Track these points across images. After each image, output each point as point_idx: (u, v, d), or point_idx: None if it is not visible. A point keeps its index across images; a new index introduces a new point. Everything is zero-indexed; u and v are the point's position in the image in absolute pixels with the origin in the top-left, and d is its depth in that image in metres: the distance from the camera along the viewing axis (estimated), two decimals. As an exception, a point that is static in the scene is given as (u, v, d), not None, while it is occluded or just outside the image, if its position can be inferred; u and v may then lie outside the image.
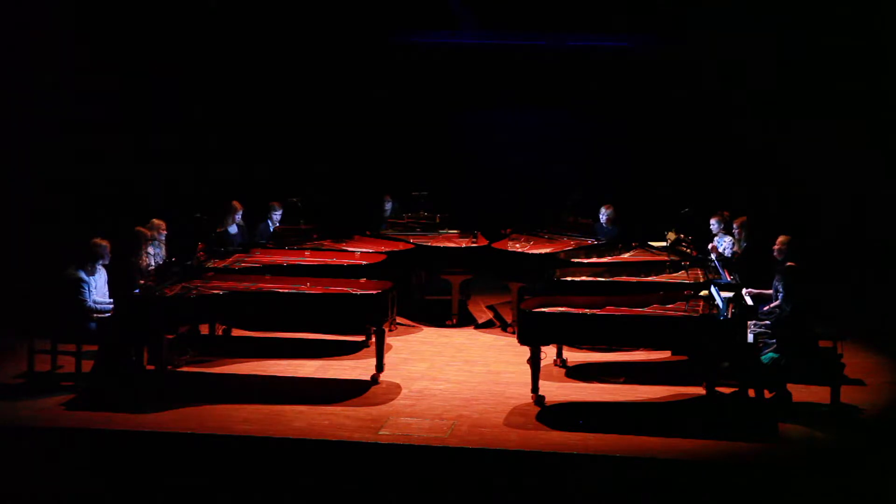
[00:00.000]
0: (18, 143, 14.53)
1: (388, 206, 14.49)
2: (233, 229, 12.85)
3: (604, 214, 13.68)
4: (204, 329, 11.82)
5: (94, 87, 14.90)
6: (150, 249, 11.24)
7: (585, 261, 12.23)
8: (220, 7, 15.67)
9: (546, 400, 9.96)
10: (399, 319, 12.97)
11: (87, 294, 10.35)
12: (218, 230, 12.44)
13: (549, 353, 10.86)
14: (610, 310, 9.99)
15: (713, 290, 10.13)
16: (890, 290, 13.71)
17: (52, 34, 14.54)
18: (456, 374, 10.99)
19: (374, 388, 10.41)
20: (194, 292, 10.43)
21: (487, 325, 13.14)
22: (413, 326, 12.99)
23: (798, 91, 15.19)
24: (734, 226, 12.22)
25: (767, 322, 10.12)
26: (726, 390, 9.93)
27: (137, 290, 10.40)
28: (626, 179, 15.88)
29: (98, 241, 10.56)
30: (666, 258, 11.93)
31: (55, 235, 13.80)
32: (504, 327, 12.93)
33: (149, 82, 15.47)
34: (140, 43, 15.25)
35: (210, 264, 11.48)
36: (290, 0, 15.82)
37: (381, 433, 9.12)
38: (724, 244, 12.40)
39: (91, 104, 14.89)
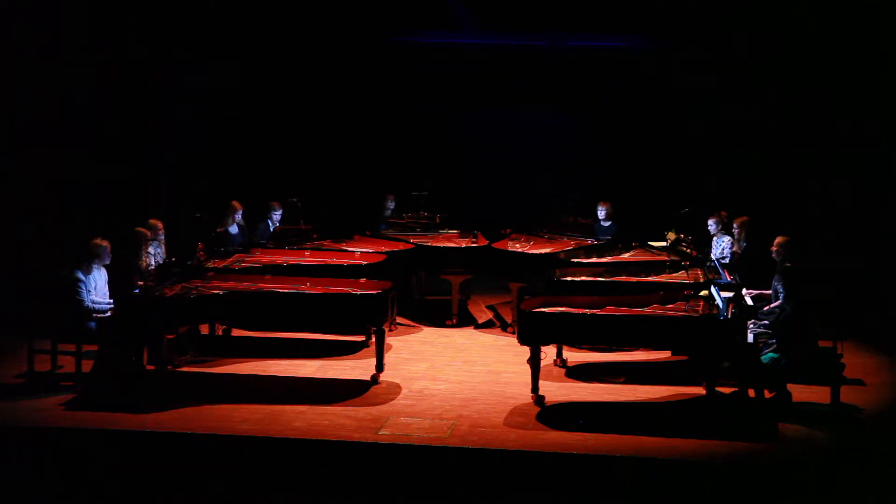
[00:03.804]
0: (16, 143, 14.52)
1: (391, 206, 14.51)
2: (233, 229, 12.86)
3: (601, 211, 13.72)
4: (204, 329, 11.82)
5: (93, 87, 14.95)
6: (151, 249, 11.25)
7: (585, 261, 12.23)
8: (221, 6, 15.66)
9: (546, 400, 9.96)
10: (399, 319, 12.97)
11: (85, 294, 10.34)
12: (218, 230, 12.45)
13: (549, 353, 10.86)
14: (610, 310, 9.98)
15: (713, 290, 10.13)
16: (890, 290, 13.70)
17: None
18: (456, 374, 10.99)
19: (374, 388, 10.41)
20: (194, 292, 10.43)
21: (487, 325, 13.14)
22: (413, 326, 12.99)
23: (798, 90, 15.20)
24: (734, 225, 12.22)
25: (767, 322, 10.12)
26: (726, 390, 9.93)
27: (137, 291, 10.40)
28: (626, 179, 15.87)
29: (98, 241, 10.56)
30: (666, 258, 11.94)
31: (55, 235, 13.81)
32: (504, 327, 12.93)
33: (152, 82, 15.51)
34: (140, 41, 15.26)
35: (210, 264, 11.48)
36: (292, 0, 15.84)
37: (381, 433, 9.12)
38: (722, 244, 12.41)
39: (90, 105, 14.94)
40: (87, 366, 10.24)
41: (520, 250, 12.88)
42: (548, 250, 12.81)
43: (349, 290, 10.63)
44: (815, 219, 14.68)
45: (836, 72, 14.88)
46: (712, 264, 11.53)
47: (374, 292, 10.51)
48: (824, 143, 14.99)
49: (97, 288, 10.50)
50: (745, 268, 11.51)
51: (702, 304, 10.03)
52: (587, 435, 9.13)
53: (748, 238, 12.00)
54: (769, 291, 10.66)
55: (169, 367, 10.50)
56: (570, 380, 10.87)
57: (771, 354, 9.79)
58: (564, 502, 8.46)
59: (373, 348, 10.89)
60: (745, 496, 8.41)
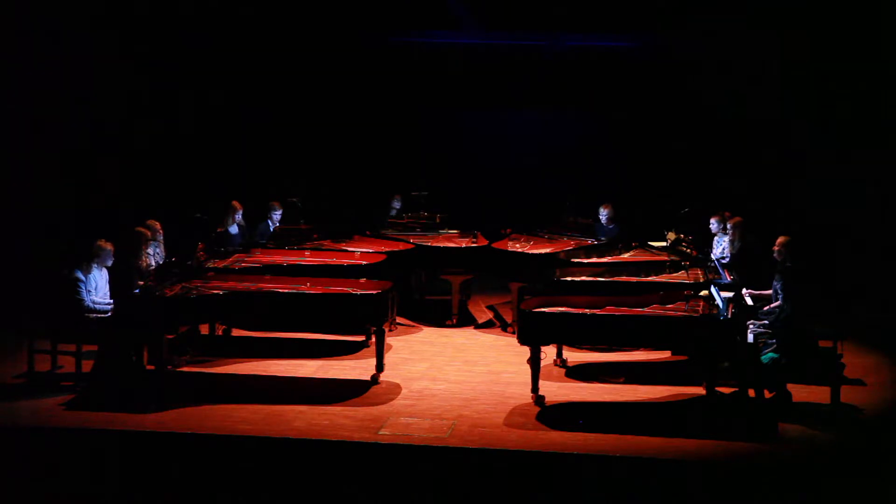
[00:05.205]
0: (15, 142, 14.54)
1: (397, 205, 14.53)
2: (233, 229, 12.86)
3: (603, 214, 13.71)
4: (204, 329, 11.82)
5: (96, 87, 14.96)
6: (150, 250, 11.25)
7: (585, 261, 12.23)
8: (222, 7, 15.67)
9: (546, 400, 9.96)
10: (399, 319, 12.97)
11: (85, 294, 10.34)
12: (218, 230, 12.45)
13: (549, 353, 10.86)
14: (610, 310, 9.98)
15: (713, 290, 10.13)
16: (889, 289, 13.70)
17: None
18: (456, 374, 10.99)
19: (374, 388, 10.41)
20: (194, 292, 10.43)
21: (487, 325, 13.14)
22: (413, 326, 12.99)
23: (799, 90, 15.20)
24: (727, 226, 12.21)
25: (767, 322, 10.12)
26: (726, 390, 9.92)
27: (137, 291, 10.40)
28: (626, 179, 15.89)
29: (101, 242, 10.53)
30: (666, 258, 11.94)
31: (55, 235, 13.82)
32: (504, 327, 12.93)
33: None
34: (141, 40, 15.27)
35: (210, 264, 11.48)
36: (292, 0, 15.85)
37: (381, 433, 9.12)
38: (723, 244, 12.41)
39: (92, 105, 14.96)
40: (87, 366, 10.24)
41: (520, 250, 12.88)
42: (548, 250, 12.81)
43: (349, 290, 10.63)
44: (816, 216, 14.72)
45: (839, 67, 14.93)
46: (712, 264, 11.53)
47: (374, 292, 10.51)
48: (825, 143, 15.02)
49: (97, 288, 10.50)
50: (740, 268, 11.50)
51: (702, 304, 10.03)
52: (587, 435, 9.13)
53: (742, 239, 11.99)
54: (769, 291, 10.66)
55: (169, 367, 10.49)
56: (570, 380, 10.86)
57: (771, 354, 9.79)
58: (564, 502, 8.46)
59: (373, 348, 10.89)
60: (745, 496, 8.41)
